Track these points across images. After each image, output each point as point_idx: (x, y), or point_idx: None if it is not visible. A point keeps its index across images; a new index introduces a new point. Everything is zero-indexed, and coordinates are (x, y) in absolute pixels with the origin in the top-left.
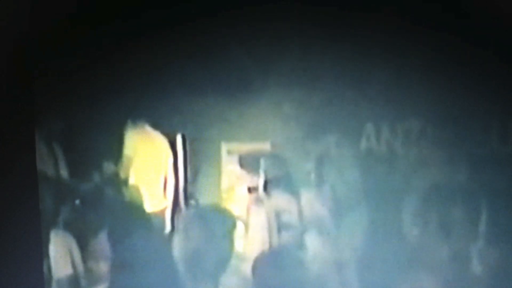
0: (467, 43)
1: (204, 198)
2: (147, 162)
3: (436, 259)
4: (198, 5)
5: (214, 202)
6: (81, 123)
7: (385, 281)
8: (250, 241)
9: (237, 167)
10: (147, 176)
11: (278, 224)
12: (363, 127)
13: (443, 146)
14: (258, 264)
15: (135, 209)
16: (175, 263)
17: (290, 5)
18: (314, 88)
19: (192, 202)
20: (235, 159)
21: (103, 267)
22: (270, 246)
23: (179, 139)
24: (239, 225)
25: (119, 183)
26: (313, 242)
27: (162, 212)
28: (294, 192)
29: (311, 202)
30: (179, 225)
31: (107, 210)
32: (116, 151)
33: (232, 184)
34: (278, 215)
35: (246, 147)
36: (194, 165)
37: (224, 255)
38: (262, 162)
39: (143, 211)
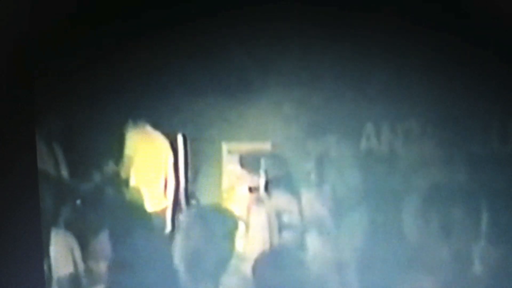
0: (467, 43)
1: (205, 198)
2: (148, 162)
3: (436, 259)
4: (198, 5)
5: (214, 202)
6: (81, 123)
7: (385, 281)
8: (250, 241)
9: (237, 167)
10: (148, 176)
11: (279, 224)
12: (363, 127)
13: (443, 146)
14: (259, 264)
15: (135, 209)
16: (176, 263)
17: (290, 5)
18: (314, 88)
19: (193, 202)
20: (235, 159)
21: (103, 266)
22: (271, 246)
23: (179, 139)
24: (240, 225)
25: (119, 183)
26: (313, 242)
27: (163, 212)
28: (294, 192)
29: (312, 202)
30: (180, 225)
31: (108, 210)
32: (116, 151)
33: (233, 184)
34: (278, 215)
35: (247, 147)
36: (194, 165)
37: (225, 255)
38: (262, 162)
39: (144, 211)
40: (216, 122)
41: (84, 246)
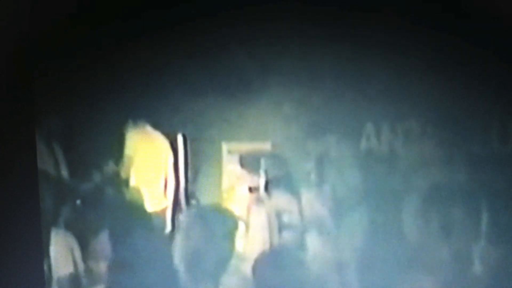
0: (467, 43)
1: (205, 198)
2: (148, 162)
3: (436, 259)
4: (198, 5)
5: (214, 202)
6: (81, 123)
7: (385, 281)
8: (250, 241)
9: (237, 167)
10: (148, 176)
11: (279, 224)
12: (363, 127)
13: (443, 146)
14: (259, 264)
15: (135, 209)
16: (176, 263)
17: (290, 5)
18: (314, 88)
19: (193, 202)
20: (235, 159)
21: (103, 266)
22: (271, 246)
23: (179, 139)
24: (240, 225)
25: (119, 183)
26: (313, 242)
27: (163, 212)
28: (294, 192)
29: (312, 202)
30: (180, 225)
31: (108, 210)
32: (116, 151)
33: (233, 184)
34: (278, 215)
35: (247, 147)
36: (194, 165)
37: (225, 255)
38: (262, 162)
39: (144, 211)
40: (216, 122)
41: (84, 246)
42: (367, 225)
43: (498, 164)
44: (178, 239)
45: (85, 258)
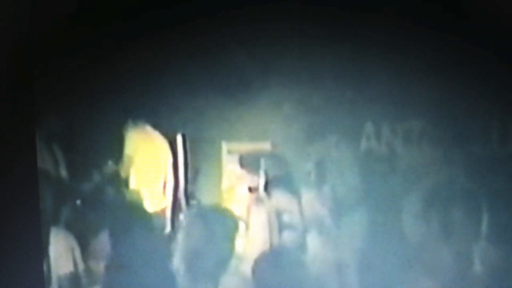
0: (467, 43)
1: (205, 198)
2: (147, 162)
3: (437, 259)
4: (198, 5)
5: (214, 202)
6: (81, 123)
7: (385, 281)
8: (250, 241)
9: (237, 167)
10: (148, 176)
11: (279, 224)
12: (363, 127)
13: (443, 146)
14: (259, 264)
15: (135, 209)
16: (175, 263)
17: (290, 5)
18: (314, 88)
19: (193, 202)
20: (235, 159)
21: (103, 266)
22: (271, 246)
23: (179, 139)
24: (240, 225)
25: (119, 183)
26: (313, 242)
27: (163, 212)
28: (294, 192)
29: (312, 202)
30: (180, 225)
31: (108, 210)
32: (116, 151)
33: (233, 184)
34: (278, 215)
35: (247, 147)
36: (194, 165)
37: (225, 255)
38: (262, 162)
39: (144, 211)
40: (216, 122)
41: (84, 246)
42: (367, 225)
43: (498, 164)
44: (178, 239)
45: (85, 258)
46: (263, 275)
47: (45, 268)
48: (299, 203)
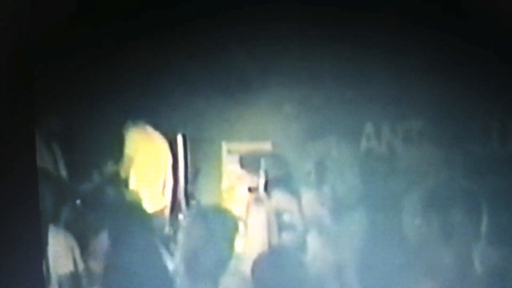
0: (467, 43)
1: (205, 198)
2: (147, 162)
3: (436, 259)
4: (198, 5)
5: (214, 202)
6: (81, 123)
7: (385, 282)
8: (250, 241)
9: (237, 167)
10: (148, 176)
11: (278, 224)
12: (363, 127)
13: (443, 146)
14: (258, 264)
15: (135, 209)
16: (175, 263)
17: (290, 5)
18: (314, 88)
19: (193, 202)
20: (235, 159)
21: (103, 266)
22: (270, 246)
23: (179, 139)
24: (239, 225)
25: (119, 183)
26: (313, 242)
27: (162, 212)
28: (294, 192)
29: (312, 202)
30: (180, 225)
31: (108, 210)
32: (116, 151)
33: (233, 184)
34: (278, 215)
35: (247, 147)
36: (194, 165)
37: (224, 255)
38: (262, 162)
39: (144, 211)
40: (216, 122)
41: (83, 246)
42: (367, 225)
43: (498, 164)
44: (178, 239)
45: (84, 258)
46: (262, 275)
47: (44, 268)
48: (299, 203)
